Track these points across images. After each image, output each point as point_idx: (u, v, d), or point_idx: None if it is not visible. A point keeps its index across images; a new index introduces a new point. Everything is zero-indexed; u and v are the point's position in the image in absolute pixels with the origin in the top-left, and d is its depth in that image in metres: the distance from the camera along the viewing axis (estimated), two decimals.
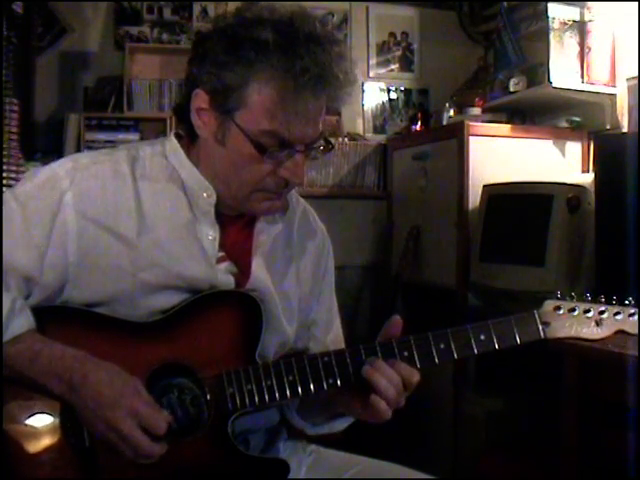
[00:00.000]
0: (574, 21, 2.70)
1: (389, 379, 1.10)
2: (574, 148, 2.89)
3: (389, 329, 1.17)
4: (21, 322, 1.08)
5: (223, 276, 1.20)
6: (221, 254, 1.21)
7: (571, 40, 2.70)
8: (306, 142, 1.14)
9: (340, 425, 1.30)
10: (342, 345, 1.34)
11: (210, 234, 1.20)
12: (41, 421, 1.09)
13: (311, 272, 1.33)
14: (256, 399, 1.12)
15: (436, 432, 2.85)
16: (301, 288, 1.31)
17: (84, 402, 1.05)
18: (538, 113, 3.06)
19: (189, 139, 1.22)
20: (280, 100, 1.09)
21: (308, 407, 1.29)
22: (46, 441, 1.09)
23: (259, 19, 1.11)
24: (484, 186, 2.70)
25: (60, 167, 1.17)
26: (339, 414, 1.27)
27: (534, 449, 2.31)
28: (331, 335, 1.36)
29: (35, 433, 1.09)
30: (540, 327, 1.15)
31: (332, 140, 1.20)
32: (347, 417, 1.27)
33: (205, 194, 1.19)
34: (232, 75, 1.10)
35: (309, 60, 1.08)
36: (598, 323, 1.16)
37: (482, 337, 1.15)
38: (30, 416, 1.09)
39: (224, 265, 1.22)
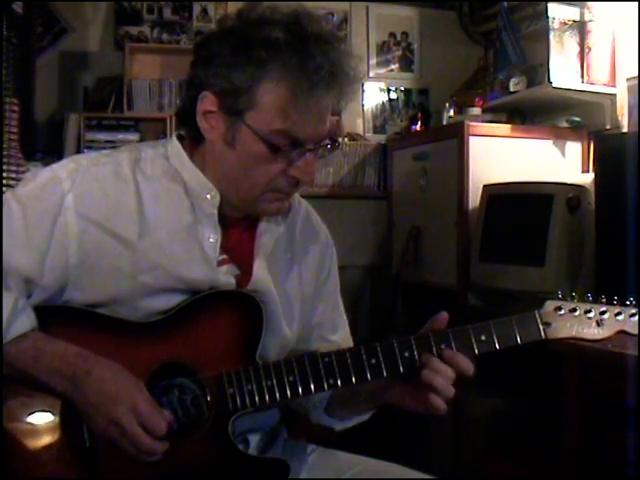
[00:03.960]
0: (574, 21, 2.70)
1: (445, 376, 1.11)
2: (574, 148, 2.89)
3: (434, 323, 1.17)
4: (23, 321, 1.08)
5: (224, 278, 1.20)
6: (223, 256, 1.21)
7: (571, 40, 2.69)
8: (316, 140, 1.15)
9: (367, 415, 1.30)
10: (351, 343, 1.35)
11: (212, 236, 1.19)
12: (41, 419, 1.09)
13: (314, 273, 1.33)
14: (256, 399, 1.12)
15: (436, 432, 2.85)
16: (303, 290, 1.31)
17: (86, 398, 1.05)
18: (538, 113, 3.06)
19: (192, 141, 1.21)
20: (293, 99, 1.09)
21: (343, 404, 1.28)
22: (46, 441, 1.09)
23: (266, 19, 1.11)
24: (484, 186, 2.69)
25: (61, 168, 1.16)
26: (375, 406, 1.26)
27: (534, 449, 2.31)
28: (339, 334, 1.36)
29: (35, 432, 1.09)
30: (541, 327, 1.15)
31: (336, 138, 1.21)
32: (375, 407, 1.27)
33: (208, 196, 1.19)
34: (242, 76, 1.09)
35: (321, 58, 1.08)
36: (599, 323, 1.16)
37: (483, 337, 1.15)
38: (30, 414, 1.09)
39: (225, 267, 1.21)
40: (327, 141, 1.18)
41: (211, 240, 1.19)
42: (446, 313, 1.17)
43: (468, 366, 1.12)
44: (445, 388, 1.10)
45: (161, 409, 1.07)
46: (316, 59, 1.08)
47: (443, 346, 1.14)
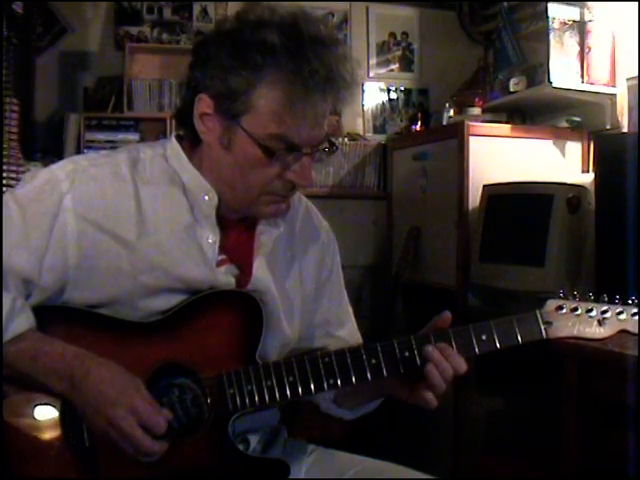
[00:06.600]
0: (574, 21, 2.70)
1: (443, 372, 1.12)
2: (574, 148, 2.89)
3: (438, 322, 1.17)
4: (22, 321, 1.08)
5: (224, 278, 1.20)
6: (222, 257, 1.21)
7: (571, 40, 2.69)
8: (313, 144, 1.14)
9: (375, 405, 1.32)
10: (359, 338, 1.37)
11: (210, 237, 1.19)
12: (41, 419, 1.09)
13: (315, 271, 1.33)
14: (256, 399, 1.12)
15: (436, 432, 2.85)
16: (304, 288, 1.31)
17: (85, 399, 1.05)
18: (538, 113, 3.06)
19: (191, 143, 1.21)
20: (288, 103, 1.08)
21: (349, 396, 1.30)
22: (46, 441, 1.09)
23: (263, 22, 1.10)
24: (484, 186, 2.69)
25: (60, 169, 1.16)
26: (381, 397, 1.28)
27: (534, 449, 2.31)
28: (346, 329, 1.37)
29: (35, 432, 1.09)
30: (542, 327, 1.15)
31: (334, 141, 1.20)
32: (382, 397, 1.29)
33: (206, 197, 1.18)
34: (238, 79, 1.09)
35: (317, 62, 1.07)
36: (601, 323, 1.16)
37: (484, 337, 1.15)
38: (29, 413, 1.09)
39: (225, 267, 1.21)
40: (325, 144, 1.17)
41: (210, 240, 1.19)
42: (449, 313, 1.17)
43: (461, 365, 1.13)
44: (440, 384, 1.12)
45: (160, 408, 1.07)
46: (312, 63, 1.07)
47: (443, 345, 1.14)
